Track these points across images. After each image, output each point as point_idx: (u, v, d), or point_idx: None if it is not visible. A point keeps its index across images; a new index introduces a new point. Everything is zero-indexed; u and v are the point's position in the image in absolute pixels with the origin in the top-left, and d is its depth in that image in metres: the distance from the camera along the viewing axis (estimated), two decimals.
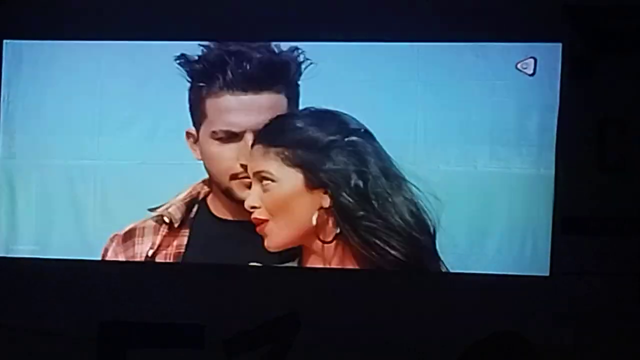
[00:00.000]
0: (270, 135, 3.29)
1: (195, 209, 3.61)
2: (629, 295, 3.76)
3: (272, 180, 3.25)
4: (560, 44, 3.81)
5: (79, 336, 3.90)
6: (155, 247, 3.62)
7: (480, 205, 3.81)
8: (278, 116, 3.42)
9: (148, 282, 3.91)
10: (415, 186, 3.58)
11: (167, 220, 3.63)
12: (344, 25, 3.87)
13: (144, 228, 3.70)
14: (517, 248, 3.80)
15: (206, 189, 3.69)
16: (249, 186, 3.53)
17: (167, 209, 3.64)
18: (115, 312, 3.93)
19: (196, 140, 3.54)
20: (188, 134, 3.62)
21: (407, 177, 3.57)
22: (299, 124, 3.40)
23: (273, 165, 3.27)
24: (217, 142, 3.45)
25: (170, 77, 3.87)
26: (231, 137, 3.42)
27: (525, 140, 3.82)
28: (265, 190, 3.26)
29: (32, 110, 4.05)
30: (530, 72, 3.82)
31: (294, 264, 3.64)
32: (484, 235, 3.81)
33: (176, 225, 3.61)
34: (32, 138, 4.05)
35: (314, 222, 3.30)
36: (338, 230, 3.39)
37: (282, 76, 3.55)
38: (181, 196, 3.66)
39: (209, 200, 3.70)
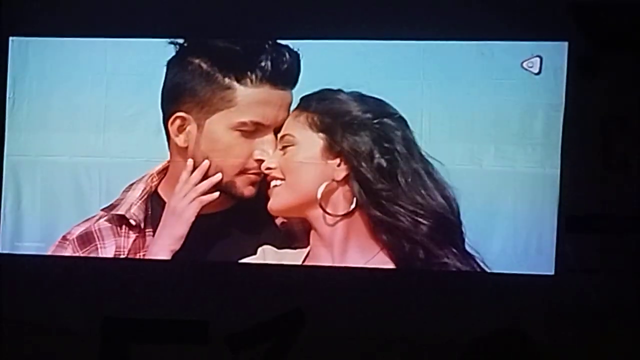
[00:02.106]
0: (310, 101, 3.29)
1: (150, 205, 3.48)
2: (635, 293, 3.75)
3: (292, 144, 3.24)
4: (566, 43, 3.80)
5: (82, 332, 3.92)
6: (126, 251, 3.47)
7: (485, 203, 3.81)
8: (324, 89, 3.38)
9: (152, 278, 3.91)
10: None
11: (133, 222, 3.48)
12: (348, 23, 3.87)
13: (100, 230, 3.56)
14: (522, 246, 3.80)
15: (156, 181, 3.55)
16: (254, 183, 3.46)
17: (129, 209, 3.50)
18: (118, 308, 3.95)
19: (184, 126, 3.35)
20: (178, 119, 3.41)
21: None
22: (339, 97, 3.38)
23: (298, 128, 3.25)
24: (238, 133, 3.31)
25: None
26: (258, 130, 3.30)
27: (531, 139, 3.81)
28: (284, 153, 3.25)
29: (37, 106, 4.05)
30: (536, 70, 3.82)
31: (302, 252, 3.59)
32: (489, 234, 3.80)
33: (142, 225, 3.46)
34: (37, 135, 4.04)
35: (319, 195, 3.26)
36: (354, 204, 3.34)
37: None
38: (137, 193, 3.51)
39: (162, 192, 3.55)
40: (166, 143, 3.75)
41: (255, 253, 3.61)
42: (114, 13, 4.01)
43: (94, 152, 4.00)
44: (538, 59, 3.82)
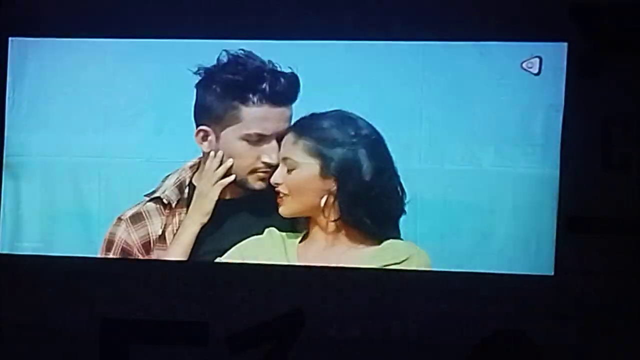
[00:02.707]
0: (302, 128, 3.84)
1: (186, 191, 3.97)
2: (634, 294, 3.76)
3: (295, 167, 3.81)
4: (565, 44, 3.80)
5: (82, 333, 3.92)
6: (163, 226, 3.97)
7: (485, 204, 3.82)
8: (312, 114, 3.85)
9: (152, 279, 3.93)
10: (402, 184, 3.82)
11: (165, 202, 3.95)
12: (347, 24, 3.88)
13: (148, 211, 3.96)
14: (522, 247, 3.80)
15: (190, 173, 3.97)
16: (262, 179, 3.86)
17: (163, 192, 3.96)
18: (118, 309, 3.95)
19: (206, 137, 3.90)
20: (201, 131, 3.89)
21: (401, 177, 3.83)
22: (325, 125, 3.83)
23: (298, 153, 3.81)
24: (246, 142, 3.85)
25: (176, 74, 3.91)
26: (262, 139, 3.84)
27: (530, 139, 3.81)
28: (289, 172, 3.82)
29: (37, 107, 4.06)
30: (536, 71, 3.82)
31: (300, 235, 3.88)
32: (489, 234, 3.81)
33: (173, 205, 3.95)
34: (37, 135, 4.05)
35: (322, 203, 3.82)
36: (339, 214, 3.83)
37: (296, 93, 3.86)
38: (171, 181, 3.97)
39: (196, 183, 3.96)
40: (168, 143, 3.96)
41: (262, 232, 3.91)
42: (113, 13, 4.01)
43: (93, 152, 4.02)
44: (538, 60, 3.82)
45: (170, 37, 3.97)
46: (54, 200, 4.05)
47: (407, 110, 3.85)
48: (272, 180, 3.83)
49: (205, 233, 3.90)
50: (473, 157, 3.83)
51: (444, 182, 3.83)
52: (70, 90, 4.04)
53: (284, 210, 3.85)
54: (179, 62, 3.93)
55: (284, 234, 3.90)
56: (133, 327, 3.94)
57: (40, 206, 4.07)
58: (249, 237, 3.91)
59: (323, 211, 3.82)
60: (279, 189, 3.83)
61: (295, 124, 3.84)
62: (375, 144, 3.80)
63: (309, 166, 3.79)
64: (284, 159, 3.82)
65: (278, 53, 3.88)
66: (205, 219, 3.92)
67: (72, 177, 4.04)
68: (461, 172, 3.82)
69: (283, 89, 3.84)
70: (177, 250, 3.93)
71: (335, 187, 3.79)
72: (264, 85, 3.83)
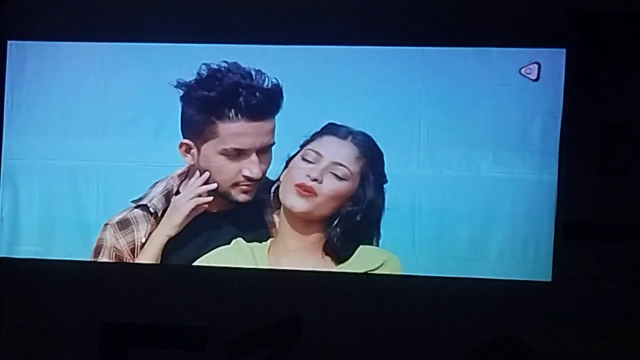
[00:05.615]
0: (355, 135, 3.85)
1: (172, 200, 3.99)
2: (632, 300, 3.76)
3: (346, 179, 3.80)
4: (564, 50, 3.81)
5: (81, 337, 3.92)
6: (147, 234, 3.98)
7: (482, 209, 3.83)
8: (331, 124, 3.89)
9: (150, 283, 3.93)
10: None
11: (152, 210, 3.97)
12: (347, 29, 3.88)
13: (135, 217, 3.98)
14: (520, 253, 3.81)
15: (178, 181, 3.99)
16: (246, 192, 3.91)
17: (150, 200, 3.98)
18: (117, 314, 3.96)
19: (189, 150, 3.94)
20: (184, 144, 3.94)
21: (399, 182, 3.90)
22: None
23: (352, 162, 3.81)
24: (224, 157, 3.88)
25: (174, 79, 3.92)
26: (240, 154, 3.87)
27: (529, 145, 3.82)
28: (335, 178, 3.80)
29: (35, 111, 4.07)
30: (534, 77, 3.83)
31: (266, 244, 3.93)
32: (486, 240, 3.82)
33: (159, 214, 3.97)
34: (35, 139, 4.06)
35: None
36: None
37: (277, 106, 3.90)
38: (159, 189, 3.99)
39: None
40: (165, 147, 3.96)
41: (229, 243, 3.94)
42: (111, 18, 4.01)
43: (92, 156, 4.03)
44: (536, 66, 3.83)
45: (168, 41, 3.98)
46: (51, 204, 4.06)
47: (406, 115, 3.86)
48: (313, 175, 3.81)
49: (172, 244, 3.93)
50: (471, 163, 3.84)
51: (442, 188, 3.84)
52: (68, 94, 4.05)
53: (301, 206, 3.83)
54: (177, 67, 3.95)
55: (251, 244, 3.94)
56: (132, 331, 3.94)
57: (38, 210, 4.08)
58: (215, 248, 3.93)
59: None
60: (312, 184, 3.82)
61: (350, 132, 3.85)
62: (381, 158, 3.87)
63: (358, 180, 3.82)
64: (337, 164, 3.82)
65: (275, 59, 3.92)
66: (173, 232, 3.94)
67: (70, 181, 4.05)
68: (459, 177, 3.83)
69: (260, 103, 3.87)
70: (143, 261, 3.95)
71: (350, 207, 3.82)
72: (239, 100, 3.86)
